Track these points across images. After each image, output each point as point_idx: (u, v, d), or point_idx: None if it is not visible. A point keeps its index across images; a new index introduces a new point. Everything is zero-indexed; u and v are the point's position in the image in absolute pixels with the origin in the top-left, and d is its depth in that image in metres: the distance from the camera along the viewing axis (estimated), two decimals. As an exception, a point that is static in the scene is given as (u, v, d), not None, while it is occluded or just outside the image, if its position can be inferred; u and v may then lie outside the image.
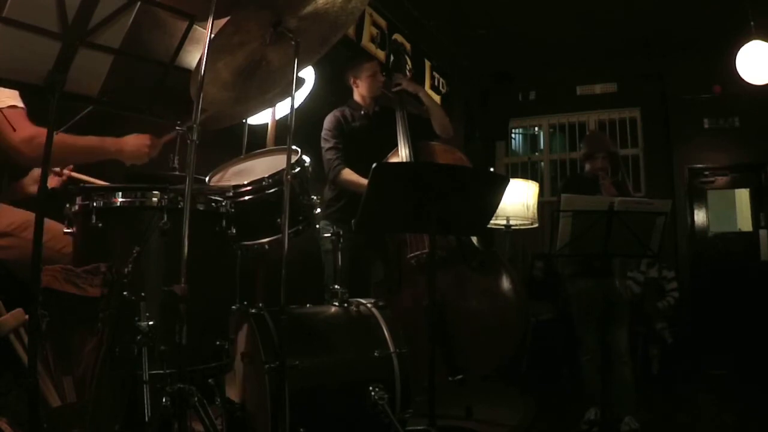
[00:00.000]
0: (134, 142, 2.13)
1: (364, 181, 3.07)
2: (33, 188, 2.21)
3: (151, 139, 2.15)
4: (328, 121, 3.42)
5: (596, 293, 3.30)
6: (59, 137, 1.87)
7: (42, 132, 1.85)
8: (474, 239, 3.49)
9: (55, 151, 1.84)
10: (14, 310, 1.60)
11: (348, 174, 3.28)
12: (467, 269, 3.25)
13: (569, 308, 3.63)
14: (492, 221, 3.64)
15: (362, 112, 3.50)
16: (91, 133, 2.09)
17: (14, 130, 1.88)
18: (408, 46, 5.03)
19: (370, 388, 2.10)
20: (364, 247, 3.42)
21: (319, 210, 2.29)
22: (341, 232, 2.51)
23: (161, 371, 1.59)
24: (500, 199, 2.56)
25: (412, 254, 3.28)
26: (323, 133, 3.40)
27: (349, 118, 3.45)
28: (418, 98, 3.62)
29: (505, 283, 3.23)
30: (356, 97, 3.55)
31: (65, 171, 2.27)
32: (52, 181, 2.20)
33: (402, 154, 3.33)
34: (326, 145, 3.37)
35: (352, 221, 2.36)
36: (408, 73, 3.88)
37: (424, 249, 3.22)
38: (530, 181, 5.26)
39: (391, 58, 3.98)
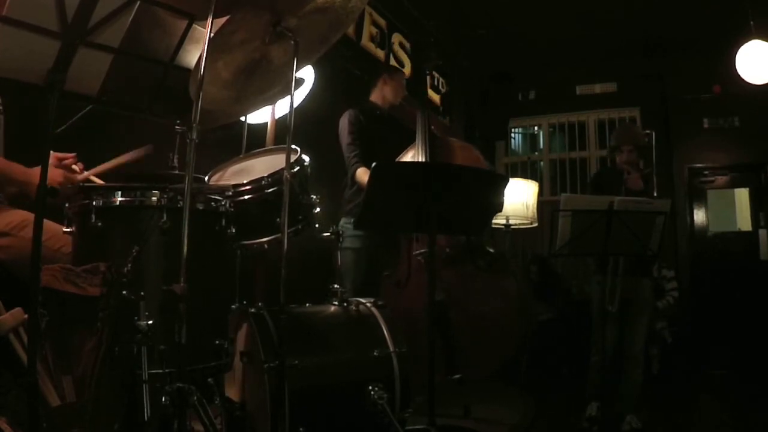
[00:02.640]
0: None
1: None
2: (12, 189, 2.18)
3: (64, 176, 1.91)
4: (346, 118, 3.45)
5: (612, 292, 3.26)
6: None
7: None
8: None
9: None
10: (13, 309, 1.60)
11: (362, 174, 3.31)
12: (474, 268, 3.26)
13: (569, 307, 3.63)
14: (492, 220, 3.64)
15: (378, 113, 3.55)
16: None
17: None
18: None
19: (370, 387, 2.10)
20: (381, 245, 3.44)
21: (318, 209, 2.29)
22: (341, 231, 2.51)
23: (161, 370, 1.59)
24: (501, 199, 2.56)
25: (419, 251, 3.29)
26: (343, 129, 3.44)
27: (366, 116, 3.49)
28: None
29: (511, 285, 3.24)
30: (375, 97, 3.61)
31: (85, 173, 2.07)
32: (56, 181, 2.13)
33: (419, 154, 3.35)
34: (345, 141, 3.41)
35: (352, 220, 2.37)
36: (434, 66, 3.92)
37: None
38: (530, 180, 5.26)
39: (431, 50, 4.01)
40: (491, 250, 3.41)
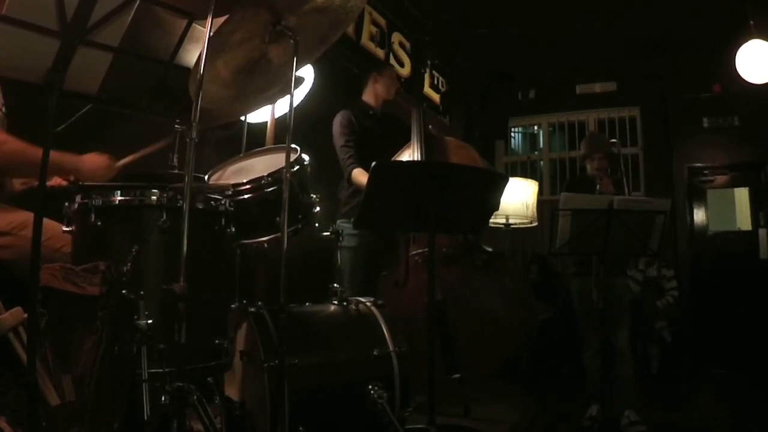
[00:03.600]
0: (92, 161, 2.07)
1: None
2: (18, 185, 2.20)
3: (109, 160, 2.10)
4: (339, 120, 3.43)
5: (591, 292, 3.31)
6: (19, 146, 1.88)
7: (7, 139, 1.87)
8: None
9: (8, 159, 1.88)
10: (13, 308, 1.60)
11: (358, 175, 3.29)
12: (471, 267, 3.25)
13: (569, 307, 3.65)
14: (492, 220, 3.63)
15: (371, 113, 3.53)
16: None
17: None
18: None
19: (370, 386, 2.10)
20: (378, 245, 3.44)
21: (318, 209, 2.29)
22: (341, 231, 2.51)
23: (160, 370, 1.59)
24: (500, 199, 2.56)
25: (416, 251, 3.29)
26: (336, 131, 3.41)
27: (359, 117, 3.47)
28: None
29: (510, 283, 3.23)
30: (367, 97, 3.58)
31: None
32: (55, 181, 2.17)
33: (414, 146, 3.34)
34: (339, 143, 3.39)
35: (352, 219, 2.37)
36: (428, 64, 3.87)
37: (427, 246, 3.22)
38: (530, 179, 5.26)
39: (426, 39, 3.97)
40: (489, 249, 3.41)
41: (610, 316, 3.29)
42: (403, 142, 3.42)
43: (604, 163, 3.55)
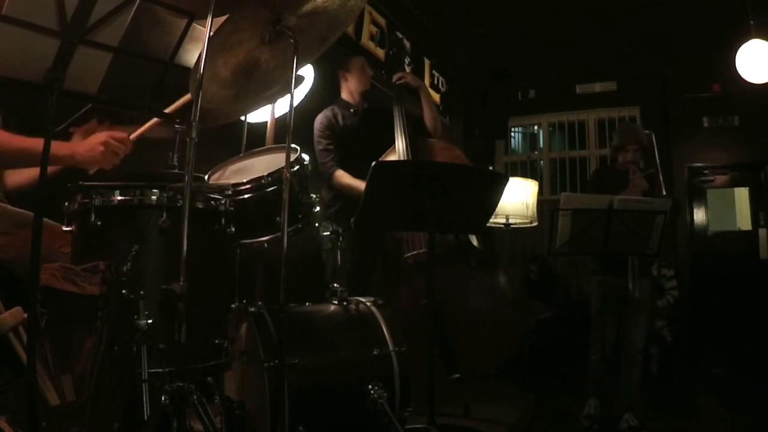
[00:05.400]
0: (86, 144, 1.91)
1: (357, 183, 3.09)
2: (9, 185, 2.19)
3: (108, 137, 1.91)
4: (319, 121, 3.39)
5: (612, 292, 3.28)
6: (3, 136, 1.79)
7: None
8: (474, 238, 3.49)
9: None
10: (13, 308, 1.60)
11: (340, 177, 3.27)
12: (466, 268, 3.25)
13: (568, 306, 3.65)
14: (492, 220, 3.63)
15: (351, 110, 3.49)
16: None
17: None
18: (407, 44, 5.05)
19: (370, 386, 2.10)
20: (365, 246, 3.41)
21: (318, 208, 2.29)
22: (340, 231, 2.50)
23: (160, 369, 1.59)
24: (499, 198, 2.55)
25: (410, 253, 3.28)
26: (316, 134, 3.38)
27: (339, 117, 3.43)
28: (414, 95, 3.60)
29: (504, 283, 3.22)
30: (344, 95, 3.54)
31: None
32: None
33: (399, 147, 3.31)
34: (318, 147, 3.35)
35: (351, 220, 2.36)
36: (407, 68, 3.83)
37: (421, 248, 3.21)
38: (529, 179, 5.26)
39: (391, 51, 3.94)
40: (480, 249, 3.40)
41: (627, 317, 3.26)
42: (391, 137, 3.38)
43: (638, 155, 3.39)
